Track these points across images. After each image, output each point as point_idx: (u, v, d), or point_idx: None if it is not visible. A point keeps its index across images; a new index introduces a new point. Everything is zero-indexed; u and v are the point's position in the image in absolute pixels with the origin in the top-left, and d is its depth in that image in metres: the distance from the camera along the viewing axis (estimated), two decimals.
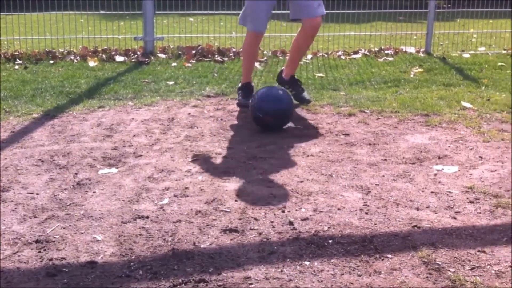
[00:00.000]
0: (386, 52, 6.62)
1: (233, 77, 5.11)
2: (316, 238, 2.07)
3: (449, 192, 2.50)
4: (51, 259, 1.90)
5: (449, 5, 10.29)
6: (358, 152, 3.05)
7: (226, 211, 2.29)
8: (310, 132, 3.41)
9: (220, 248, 1.99)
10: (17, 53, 6.08)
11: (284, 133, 3.40)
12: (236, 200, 2.40)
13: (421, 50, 6.74)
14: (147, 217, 2.24)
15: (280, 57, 6.39)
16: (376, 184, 2.59)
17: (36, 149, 3.08)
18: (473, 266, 1.87)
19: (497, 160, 2.92)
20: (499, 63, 5.96)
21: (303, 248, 1.99)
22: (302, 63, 6.03)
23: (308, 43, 4.10)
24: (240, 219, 2.22)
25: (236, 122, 3.65)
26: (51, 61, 5.87)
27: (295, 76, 4.24)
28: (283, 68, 4.32)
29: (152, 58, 6.10)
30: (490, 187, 2.55)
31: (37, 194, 2.46)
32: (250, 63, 4.10)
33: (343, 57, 6.42)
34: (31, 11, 7.60)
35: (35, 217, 2.23)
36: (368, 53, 6.56)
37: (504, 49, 7.05)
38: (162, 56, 6.20)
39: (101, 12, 7.99)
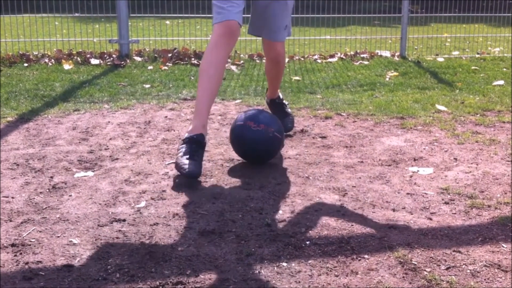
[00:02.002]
0: (361, 56, 6.68)
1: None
2: (294, 239, 2.07)
3: (425, 193, 2.53)
4: (27, 263, 1.88)
5: (422, 10, 10.40)
6: (335, 155, 3.07)
7: (203, 214, 2.29)
8: (287, 135, 3.42)
9: (197, 251, 1.98)
10: None
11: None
12: (213, 203, 2.40)
13: (396, 54, 6.81)
14: (124, 220, 2.22)
15: (257, 61, 6.41)
16: (353, 186, 2.61)
17: (11, 152, 3.05)
18: (448, 266, 1.89)
19: (471, 162, 2.96)
20: (473, 67, 6.05)
21: (280, 249, 2.00)
22: None
23: (273, 67, 3.32)
24: (217, 221, 2.22)
25: (213, 124, 3.65)
26: (25, 64, 5.81)
27: (277, 100, 3.52)
28: None
29: (128, 61, 6.07)
30: (464, 188, 2.59)
31: (13, 198, 2.43)
32: (211, 90, 2.77)
33: (319, 60, 6.45)
34: (4, 13, 7.51)
35: (10, 220, 2.20)
36: (344, 57, 6.61)
37: (478, 53, 7.15)
38: (138, 59, 6.17)
39: (76, 14, 7.93)
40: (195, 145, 2.68)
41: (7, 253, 1.95)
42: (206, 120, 2.77)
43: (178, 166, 2.63)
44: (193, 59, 6.21)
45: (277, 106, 3.48)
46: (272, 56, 3.24)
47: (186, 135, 2.74)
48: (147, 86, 4.86)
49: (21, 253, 1.94)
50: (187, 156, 2.63)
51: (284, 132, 3.03)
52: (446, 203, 2.43)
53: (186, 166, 2.59)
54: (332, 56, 6.66)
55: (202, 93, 2.74)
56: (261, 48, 7.27)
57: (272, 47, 3.20)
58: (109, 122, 3.69)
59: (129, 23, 6.47)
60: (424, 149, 3.18)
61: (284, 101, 3.53)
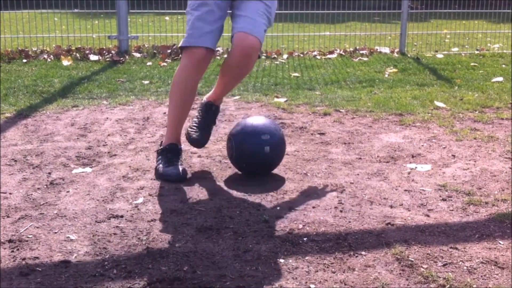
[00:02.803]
0: (361, 52, 6.67)
1: (209, 77, 5.11)
2: (291, 236, 2.08)
3: (422, 190, 2.53)
4: (24, 259, 1.88)
5: (422, 6, 10.39)
6: (333, 151, 3.07)
7: (201, 210, 2.29)
8: (285, 131, 3.42)
9: (195, 247, 1.98)
10: None
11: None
12: (211, 199, 2.40)
13: (396, 50, 6.80)
14: (122, 216, 2.22)
15: None
16: (351, 183, 2.61)
17: (9, 148, 3.04)
18: (445, 263, 1.89)
19: (469, 159, 2.96)
20: (472, 63, 6.04)
21: (278, 246, 2.00)
22: (278, 63, 6.05)
23: (236, 69, 2.67)
24: (215, 217, 2.22)
25: None
26: (24, 60, 5.81)
27: (214, 107, 2.92)
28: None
29: (127, 57, 6.07)
30: (462, 185, 2.59)
31: (10, 193, 2.43)
32: (182, 107, 2.71)
33: (318, 57, 6.45)
34: (3, 9, 7.50)
35: (8, 216, 2.20)
36: (343, 53, 6.60)
37: (477, 50, 7.15)
38: (137, 55, 6.17)
39: (75, 10, 7.92)
40: (170, 153, 2.70)
41: (4, 249, 1.95)
42: (180, 134, 2.77)
43: (162, 175, 2.63)
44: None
45: (209, 113, 2.89)
46: (242, 56, 2.60)
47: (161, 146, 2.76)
48: (146, 82, 4.86)
49: (18, 249, 1.94)
50: (167, 165, 2.65)
51: (190, 140, 2.78)
52: (444, 200, 2.43)
53: (170, 171, 2.62)
54: (331, 52, 6.66)
55: (176, 111, 2.73)
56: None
57: (243, 42, 2.57)
58: (107, 118, 3.69)
59: (128, 19, 6.47)
60: (422, 145, 3.18)
61: (217, 113, 2.97)
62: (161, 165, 2.66)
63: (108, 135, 3.32)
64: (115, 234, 2.07)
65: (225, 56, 6.19)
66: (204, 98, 2.95)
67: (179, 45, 2.64)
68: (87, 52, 6.17)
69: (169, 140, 2.72)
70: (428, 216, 2.26)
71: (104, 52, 6.19)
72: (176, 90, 2.68)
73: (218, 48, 6.59)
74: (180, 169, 2.62)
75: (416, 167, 2.82)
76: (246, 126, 2.67)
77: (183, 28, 7.95)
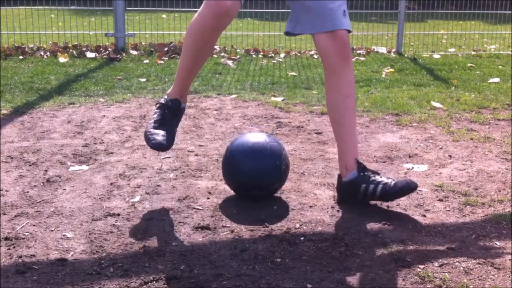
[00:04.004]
0: (358, 52, 6.68)
1: (206, 75, 5.10)
2: (288, 235, 2.08)
3: (419, 190, 2.54)
4: (20, 257, 1.87)
5: (419, 6, 10.40)
6: (330, 151, 3.07)
7: (198, 209, 2.29)
8: (282, 131, 3.42)
9: (191, 246, 1.98)
10: None
11: (257, 131, 3.41)
12: (208, 198, 2.40)
13: (393, 50, 6.81)
14: (118, 214, 2.22)
15: (253, 56, 6.40)
16: None
17: (6, 145, 3.04)
18: (442, 263, 1.90)
19: (466, 159, 2.96)
20: (469, 64, 6.05)
21: (274, 245, 2.00)
22: (275, 62, 6.05)
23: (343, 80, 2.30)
24: (212, 216, 2.22)
25: (208, 119, 3.64)
26: (21, 57, 5.79)
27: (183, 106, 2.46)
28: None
29: (124, 54, 6.06)
30: (459, 186, 2.59)
31: (6, 191, 2.43)
32: (197, 58, 2.34)
33: (315, 56, 6.45)
34: (0, 5, 7.47)
35: (4, 214, 2.20)
36: None
37: (474, 50, 7.16)
38: (134, 53, 6.16)
39: (72, 7, 7.90)
40: (169, 110, 2.37)
41: (1, 246, 1.94)
42: (186, 89, 2.43)
43: (146, 137, 2.32)
44: None
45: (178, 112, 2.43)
46: (341, 58, 2.27)
47: (160, 100, 2.42)
48: (143, 80, 4.85)
49: (14, 247, 1.94)
50: (157, 125, 2.33)
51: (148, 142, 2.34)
52: (440, 200, 2.43)
53: (153, 137, 2.28)
54: None
55: (189, 63, 2.35)
56: (257, 43, 7.27)
57: (338, 38, 2.26)
58: (104, 115, 3.68)
59: (125, 17, 6.45)
60: (419, 146, 3.18)
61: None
62: (151, 122, 2.35)
63: (105, 132, 3.32)
64: (111, 232, 2.07)
65: (223, 55, 6.19)
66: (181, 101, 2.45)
67: None
68: (84, 49, 6.16)
69: (173, 95, 2.41)
70: (424, 216, 2.26)
71: (101, 49, 6.18)
72: (193, 39, 2.29)
73: (216, 47, 6.58)
74: (164, 138, 2.28)
75: (412, 167, 2.83)
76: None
77: (180, 26, 7.95)
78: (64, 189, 2.46)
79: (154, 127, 2.33)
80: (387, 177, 2.35)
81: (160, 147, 2.28)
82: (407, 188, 2.26)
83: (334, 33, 2.24)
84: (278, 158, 2.31)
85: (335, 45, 2.25)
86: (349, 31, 2.30)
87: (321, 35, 2.25)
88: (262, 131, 2.43)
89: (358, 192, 2.31)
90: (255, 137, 2.38)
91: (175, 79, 2.41)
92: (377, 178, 2.31)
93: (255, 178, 2.31)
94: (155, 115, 2.38)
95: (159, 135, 2.30)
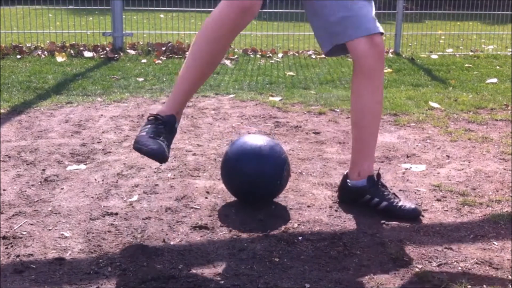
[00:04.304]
0: None
1: None
2: (286, 235, 2.07)
3: (417, 190, 2.54)
4: (18, 256, 1.87)
5: (417, 7, 10.41)
6: (328, 151, 3.07)
7: (196, 208, 2.29)
8: (280, 130, 3.42)
9: (190, 245, 1.98)
10: None
11: (255, 131, 3.41)
12: (206, 197, 2.40)
13: (390, 50, 6.81)
14: (116, 213, 2.22)
15: (251, 55, 6.40)
16: None
17: (3, 145, 3.03)
18: (440, 263, 1.90)
19: (463, 159, 2.97)
20: (466, 65, 6.06)
21: (273, 245, 1.99)
22: (273, 61, 6.05)
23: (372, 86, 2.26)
24: (210, 216, 2.22)
25: (206, 119, 3.64)
26: (18, 56, 5.78)
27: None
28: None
29: (121, 54, 6.05)
30: (456, 186, 2.59)
31: (4, 190, 2.42)
32: (206, 66, 2.12)
33: (313, 56, 6.45)
34: None
35: (2, 213, 2.19)
36: None
37: (471, 51, 7.17)
38: (132, 52, 6.15)
39: (70, 7, 7.89)
40: (165, 127, 2.11)
41: None
42: (184, 105, 2.21)
43: (141, 147, 2.05)
44: (187, 53, 6.19)
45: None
46: (377, 63, 2.23)
47: (155, 113, 2.15)
48: (141, 79, 4.84)
49: (12, 246, 1.93)
50: (153, 135, 2.08)
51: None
52: (438, 200, 2.43)
53: (149, 145, 2.04)
54: None
55: (193, 73, 2.13)
56: (255, 43, 7.27)
57: (375, 45, 2.20)
58: (102, 115, 3.68)
59: (123, 16, 6.45)
60: (417, 146, 3.18)
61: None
62: (144, 134, 2.07)
63: (103, 132, 3.31)
64: (109, 231, 2.07)
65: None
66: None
67: None
68: (82, 48, 6.15)
69: (168, 111, 2.13)
70: (422, 216, 2.26)
71: (99, 49, 6.17)
72: (207, 42, 2.08)
73: None
74: (163, 147, 2.05)
75: (410, 167, 2.83)
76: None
77: (178, 26, 7.94)
78: (62, 188, 2.46)
79: (150, 137, 2.07)
80: (395, 194, 2.33)
81: (159, 154, 2.03)
82: (411, 214, 2.24)
83: (372, 37, 2.19)
84: (279, 177, 2.28)
85: (374, 49, 2.19)
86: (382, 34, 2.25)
87: (359, 42, 2.18)
88: (267, 136, 2.35)
89: (361, 199, 2.32)
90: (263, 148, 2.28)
91: (174, 93, 2.15)
92: (386, 193, 2.29)
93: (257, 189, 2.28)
94: (149, 128, 2.10)
95: (157, 143, 2.05)
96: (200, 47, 2.10)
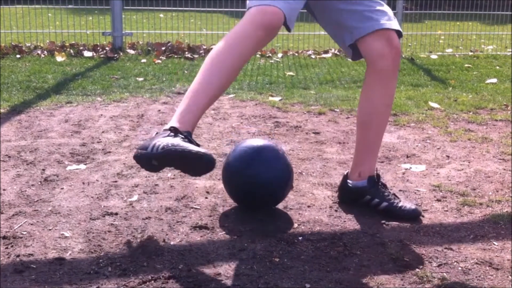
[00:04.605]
0: None
1: None
2: (286, 235, 2.07)
3: (417, 190, 2.54)
4: (18, 256, 1.87)
5: (416, 7, 10.41)
6: (328, 151, 3.07)
7: (196, 208, 2.29)
8: (280, 130, 3.42)
9: (190, 245, 1.98)
10: None
11: (254, 131, 3.41)
12: (206, 197, 2.40)
13: None
14: (116, 213, 2.22)
15: None
16: None
17: (3, 144, 3.03)
18: (440, 263, 1.90)
19: (463, 160, 2.97)
20: (466, 65, 6.06)
21: (273, 245, 1.99)
22: (272, 61, 6.05)
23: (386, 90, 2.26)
24: (210, 216, 2.22)
25: (206, 119, 3.64)
26: (18, 56, 5.78)
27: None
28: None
29: (121, 54, 6.05)
30: (456, 186, 2.59)
31: (4, 190, 2.42)
32: (225, 78, 2.00)
33: (313, 56, 6.45)
34: None
35: (1, 213, 2.19)
36: (338, 53, 6.60)
37: (471, 51, 7.17)
38: (131, 52, 6.15)
39: (69, 6, 7.89)
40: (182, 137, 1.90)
41: None
42: (198, 119, 2.01)
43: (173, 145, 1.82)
44: (186, 53, 6.19)
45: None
46: (394, 62, 2.21)
47: (173, 125, 1.94)
48: (140, 79, 4.84)
49: (12, 246, 1.93)
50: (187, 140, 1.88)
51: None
52: (438, 200, 2.43)
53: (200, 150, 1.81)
54: (326, 51, 6.66)
55: (209, 84, 1.99)
56: None
57: (391, 41, 2.18)
58: (101, 115, 3.68)
59: (123, 16, 6.45)
60: (416, 146, 3.18)
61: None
62: (179, 140, 1.84)
63: (102, 132, 3.31)
64: (109, 231, 2.07)
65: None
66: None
67: (249, 5, 2.03)
68: (81, 48, 6.15)
69: (186, 126, 1.93)
70: (422, 216, 2.26)
71: (98, 48, 6.16)
72: (231, 53, 1.98)
73: (213, 46, 6.59)
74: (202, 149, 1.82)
75: (410, 168, 2.83)
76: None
77: (178, 25, 7.94)
78: (62, 188, 2.46)
79: (185, 141, 1.85)
80: (395, 194, 2.33)
81: (209, 160, 1.82)
82: (411, 214, 2.24)
83: (390, 37, 2.16)
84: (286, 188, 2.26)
85: (391, 49, 2.16)
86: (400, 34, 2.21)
87: (375, 38, 2.15)
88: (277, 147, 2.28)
89: (361, 199, 2.32)
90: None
91: (190, 109, 1.96)
92: (386, 193, 2.29)
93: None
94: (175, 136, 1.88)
95: (196, 146, 1.83)
96: (223, 62, 1.99)
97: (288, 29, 2.06)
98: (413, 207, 2.26)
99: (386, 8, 2.21)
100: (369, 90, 2.26)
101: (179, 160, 1.82)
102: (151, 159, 1.86)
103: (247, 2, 2.06)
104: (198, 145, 1.89)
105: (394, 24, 2.18)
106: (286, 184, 2.23)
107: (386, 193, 2.29)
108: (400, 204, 2.26)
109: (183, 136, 1.88)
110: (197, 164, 1.82)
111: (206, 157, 1.79)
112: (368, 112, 2.28)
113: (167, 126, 1.93)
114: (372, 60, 2.20)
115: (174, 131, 1.90)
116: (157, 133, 1.95)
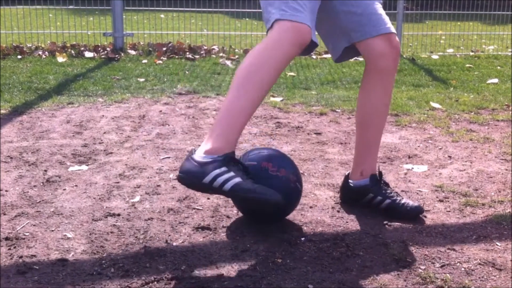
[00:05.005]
0: None
1: (205, 75, 5.10)
2: (288, 236, 2.07)
3: (419, 191, 2.54)
4: (21, 257, 1.87)
5: (417, 7, 10.40)
6: (329, 151, 3.07)
7: (198, 209, 2.29)
8: (282, 131, 3.42)
9: (192, 246, 1.98)
10: None
11: (256, 131, 3.40)
12: (208, 198, 2.40)
13: None
14: (119, 214, 2.22)
15: None
16: None
17: (5, 145, 3.03)
18: (443, 264, 1.90)
19: (465, 160, 2.96)
20: (467, 65, 6.06)
21: (275, 246, 1.99)
22: None
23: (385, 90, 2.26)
24: (212, 217, 2.22)
25: (208, 120, 3.64)
26: (19, 57, 5.78)
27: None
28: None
29: (122, 54, 6.05)
30: (459, 186, 2.59)
31: (6, 191, 2.42)
32: (261, 97, 2.01)
33: (314, 56, 6.45)
34: None
35: (4, 214, 2.19)
36: None
37: (472, 51, 7.17)
38: (132, 52, 6.15)
39: (70, 7, 7.89)
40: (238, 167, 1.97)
41: (1, 246, 1.94)
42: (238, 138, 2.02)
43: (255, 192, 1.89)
44: (187, 53, 6.19)
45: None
46: (393, 63, 2.22)
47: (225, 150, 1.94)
48: (142, 80, 4.84)
49: (15, 247, 1.93)
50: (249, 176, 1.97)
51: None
52: (441, 201, 2.43)
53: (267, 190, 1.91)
54: (327, 52, 6.66)
55: (246, 103, 1.98)
56: (256, 43, 7.25)
57: (391, 43, 2.20)
58: (103, 115, 3.68)
59: (124, 16, 6.45)
60: (418, 146, 3.18)
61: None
62: (239, 179, 1.90)
63: (104, 132, 3.31)
64: (112, 232, 2.07)
65: (222, 55, 6.18)
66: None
67: (276, 17, 1.99)
68: (82, 49, 6.15)
69: (231, 146, 1.96)
70: (425, 217, 2.26)
71: (99, 49, 6.17)
72: (266, 70, 1.98)
73: (214, 47, 6.59)
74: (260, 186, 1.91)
75: (412, 168, 2.83)
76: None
77: (179, 26, 7.95)
78: (64, 189, 2.46)
79: (243, 178, 1.91)
80: (397, 193, 2.33)
81: (279, 202, 1.91)
82: (414, 211, 2.24)
83: (389, 37, 2.18)
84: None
85: (391, 49, 2.19)
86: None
87: (377, 40, 2.17)
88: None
89: (363, 198, 2.32)
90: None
91: (234, 130, 1.96)
92: (388, 191, 2.30)
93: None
94: (236, 171, 1.93)
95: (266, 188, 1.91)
96: (261, 80, 1.98)
97: (315, 45, 2.08)
98: (416, 204, 2.26)
99: (381, 9, 2.23)
100: (369, 90, 2.26)
101: (246, 202, 2.01)
102: (209, 190, 1.93)
103: (270, 10, 2.02)
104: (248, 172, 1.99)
105: (392, 26, 2.21)
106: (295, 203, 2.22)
107: (388, 191, 2.30)
108: (403, 201, 2.26)
109: (246, 174, 1.95)
110: (266, 208, 1.98)
111: (277, 201, 1.90)
112: (368, 112, 2.29)
113: (214, 149, 1.94)
114: (372, 60, 2.20)
115: (231, 160, 1.94)
116: (201, 155, 1.93)
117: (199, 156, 1.93)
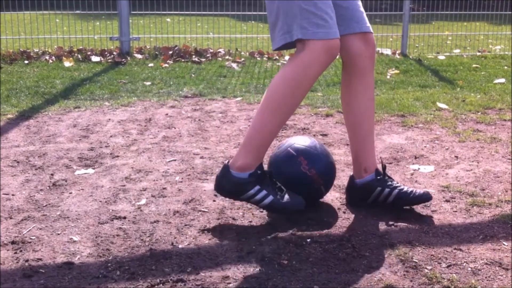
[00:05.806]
0: None
1: (211, 78, 5.11)
2: (294, 237, 2.07)
3: (426, 191, 2.52)
4: (27, 260, 1.87)
5: (424, 8, 10.39)
6: (335, 152, 3.06)
7: (204, 211, 2.29)
8: (288, 133, 3.42)
9: (198, 248, 1.98)
10: None
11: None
12: (214, 200, 2.40)
13: (397, 52, 6.80)
14: (125, 217, 2.22)
15: (258, 58, 6.40)
16: None
17: (12, 150, 3.04)
18: (449, 264, 1.89)
19: (472, 160, 2.95)
20: (474, 65, 6.04)
21: (281, 247, 1.99)
22: (279, 64, 6.05)
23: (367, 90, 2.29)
24: (218, 219, 2.22)
25: (214, 122, 3.64)
26: (26, 61, 5.81)
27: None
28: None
29: (129, 58, 6.07)
30: (465, 186, 2.58)
31: (13, 195, 2.43)
32: (285, 115, 2.14)
33: None
34: (5, 10, 7.50)
35: (10, 218, 2.20)
36: None
37: (479, 51, 7.15)
38: (139, 56, 6.17)
39: (77, 12, 7.93)
40: (271, 179, 2.20)
41: (7, 250, 1.94)
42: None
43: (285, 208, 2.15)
44: (194, 56, 6.21)
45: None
46: (370, 61, 2.26)
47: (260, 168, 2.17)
48: (148, 83, 4.85)
49: (21, 251, 1.94)
50: (279, 192, 2.18)
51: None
52: (447, 201, 2.42)
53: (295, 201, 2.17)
54: None
55: (276, 126, 2.14)
56: (262, 46, 7.27)
57: (368, 41, 2.23)
58: (109, 119, 3.69)
59: (130, 20, 6.47)
60: (425, 147, 3.17)
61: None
62: (271, 198, 2.14)
63: (111, 136, 3.32)
64: (118, 235, 2.07)
65: (228, 58, 6.19)
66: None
67: (312, 37, 2.02)
68: (89, 53, 6.18)
69: (258, 162, 2.15)
70: (431, 217, 2.25)
71: (106, 53, 6.19)
72: (298, 88, 2.09)
73: (220, 50, 6.59)
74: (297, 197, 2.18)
75: (419, 168, 2.82)
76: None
77: (185, 29, 7.96)
78: (70, 193, 2.46)
79: (277, 197, 2.16)
80: (403, 184, 2.34)
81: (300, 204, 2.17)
82: (423, 197, 2.27)
83: (367, 36, 2.21)
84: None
85: (368, 48, 2.22)
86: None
87: (356, 39, 2.20)
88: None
89: (371, 194, 2.31)
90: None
91: (258, 149, 2.14)
92: (394, 183, 2.32)
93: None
94: (269, 190, 2.15)
95: (294, 197, 2.17)
96: (295, 102, 2.11)
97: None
98: (423, 191, 2.29)
99: (362, 7, 2.26)
100: (352, 92, 2.29)
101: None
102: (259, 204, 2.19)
103: (291, 24, 2.04)
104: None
105: (369, 26, 2.24)
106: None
107: (394, 182, 2.32)
108: (410, 189, 2.28)
109: (276, 190, 2.18)
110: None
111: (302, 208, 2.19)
112: (357, 112, 2.31)
113: (246, 164, 2.15)
114: (350, 58, 2.23)
115: (263, 177, 2.16)
116: (235, 172, 2.18)
117: (233, 173, 2.16)
